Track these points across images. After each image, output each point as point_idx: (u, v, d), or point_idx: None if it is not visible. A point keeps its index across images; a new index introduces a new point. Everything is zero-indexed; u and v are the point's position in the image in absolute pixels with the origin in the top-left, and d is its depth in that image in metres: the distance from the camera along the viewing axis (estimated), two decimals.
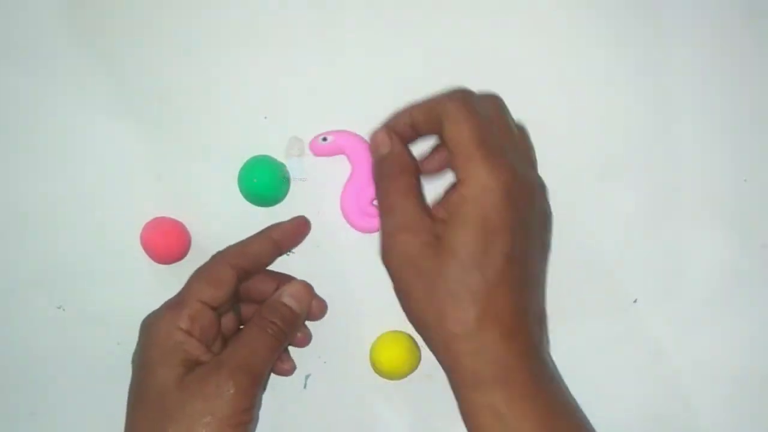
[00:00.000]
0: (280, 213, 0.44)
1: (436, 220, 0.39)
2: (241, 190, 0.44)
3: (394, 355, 0.43)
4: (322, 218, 0.45)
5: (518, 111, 0.44)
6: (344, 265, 0.45)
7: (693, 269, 0.45)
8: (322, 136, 0.43)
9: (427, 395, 0.44)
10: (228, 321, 0.43)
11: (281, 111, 0.45)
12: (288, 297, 0.42)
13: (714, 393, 0.44)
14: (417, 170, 0.41)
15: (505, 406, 0.37)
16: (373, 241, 0.43)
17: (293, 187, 0.44)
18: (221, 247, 0.42)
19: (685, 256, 0.45)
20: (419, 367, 0.44)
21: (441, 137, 0.39)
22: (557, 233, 0.44)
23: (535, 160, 0.43)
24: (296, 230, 0.44)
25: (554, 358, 0.43)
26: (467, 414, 0.38)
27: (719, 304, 0.45)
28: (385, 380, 0.44)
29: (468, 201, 0.37)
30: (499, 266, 0.37)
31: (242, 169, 0.44)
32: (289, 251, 0.44)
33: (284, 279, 0.44)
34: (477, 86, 0.44)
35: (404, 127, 0.41)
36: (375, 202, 0.43)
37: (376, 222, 0.42)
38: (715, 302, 0.45)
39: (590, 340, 0.43)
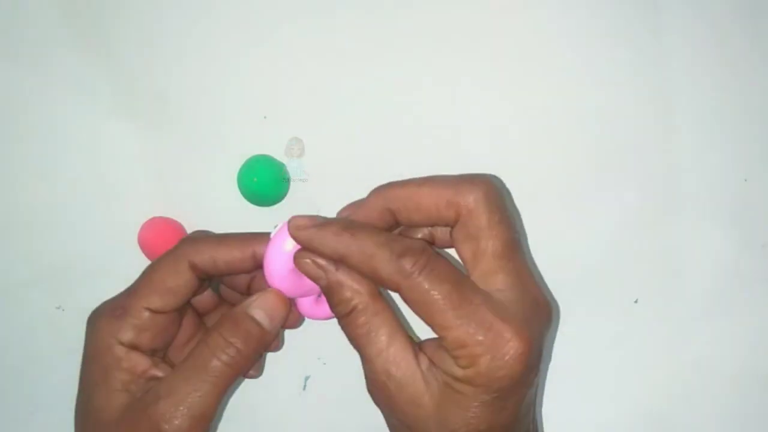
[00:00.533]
0: (280, 213, 0.44)
1: (427, 367, 0.33)
2: (240, 190, 0.44)
3: None
4: (322, 217, 0.44)
5: (518, 110, 0.44)
6: None
7: (694, 269, 0.45)
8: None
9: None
10: (206, 298, 0.39)
11: (281, 110, 0.45)
12: (259, 310, 0.35)
13: (715, 393, 0.44)
14: (375, 291, 0.34)
15: None
16: None
17: (293, 187, 0.44)
18: None
19: (685, 256, 0.45)
20: None
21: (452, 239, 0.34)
22: (558, 234, 0.44)
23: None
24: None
25: (555, 358, 0.43)
26: None
27: (720, 303, 0.44)
28: None
29: (473, 386, 0.32)
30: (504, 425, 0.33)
31: (242, 168, 0.43)
32: None
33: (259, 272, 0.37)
34: (477, 84, 0.44)
35: (330, 257, 0.34)
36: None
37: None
38: (715, 302, 0.44)
39: (591, 340, 0.43)
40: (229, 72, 0.45)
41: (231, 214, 0.44)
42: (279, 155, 0.44)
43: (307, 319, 0.44)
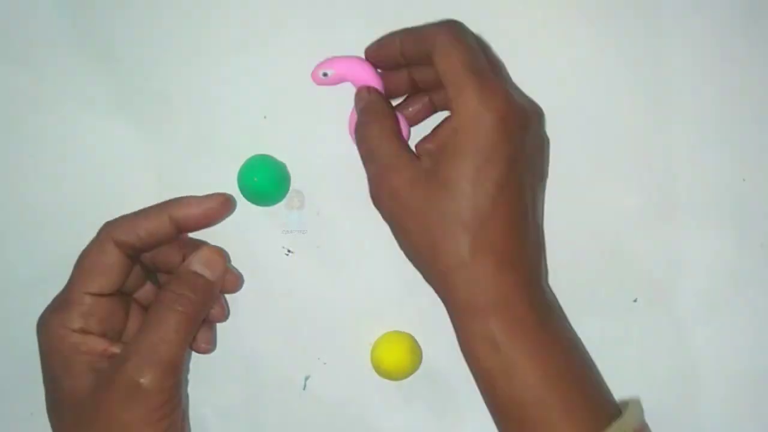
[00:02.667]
0: (280, 212, 0.44)
1: (424, 155, 0.39)
2: (240, 190, 0.44)
3: (396, 356, 0.42)
4: (322, 218, 0.45)
5: None
6: (344, 266, 0.45)
7: (692, 269, 0.45)
8: (322, 72, 0.43)
9: (428, 395, 0.44)
10: (147, 292, 0.42)
11: (281, 110, 0.45)
12: (199, 264, 0.39)
13: (714, 392, 0.44)
14: (393, 115, 0.41)
15: (501, 335, 0.36)
16: (375, 237, 0.43)
17: (293, 183, 0.44)
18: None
19: (684, 256, 0.45)
20: (420, 367, 0.44)
21: (432, 67, 0.39)
22: (556, 233, 0.44)
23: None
24: (205, 213, 0.41)
25: None
26: (464, 343, 0.37)
27: (719, 303, 0.45)
28: (385, 380, 0.44)
29: (459, 131, 0.37)
30: (491, 196, 0.36)
31: (242, 168, 0.43)
32: (289, 251, 0.44)
33: (192, 246, 0.41)
34: None
35: (392, 52, 0.41)
36: None
37: None
38: (714, 301, 0.45)
39: (590, 340, 0.43)
40: (229, 72, 0.45)
41: (231, 213, 0.44)
42: (279, 155, 0.44)
43: (307, 319, 0.44)
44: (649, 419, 0.44)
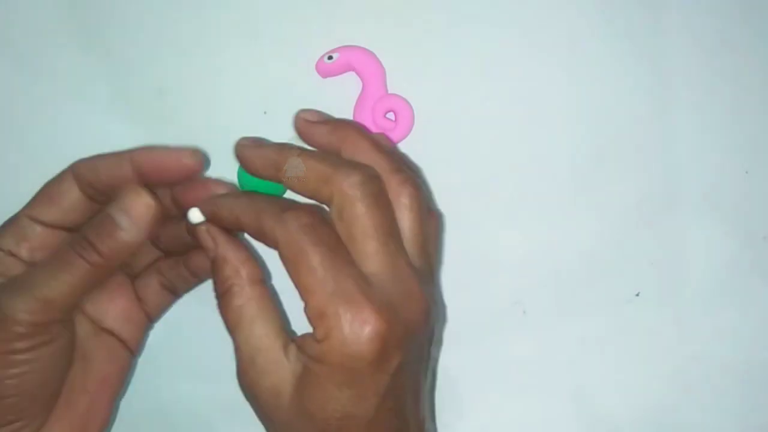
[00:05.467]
0: None
1: (294, 354, 0.32)
2: (241, 186, 0.43)
3: None
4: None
5: (516, 104, 0.44)
6: None
7: (694, 262, 0.45)
8: (327, 55, 0.42)
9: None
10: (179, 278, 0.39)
11: (281, 106, 0.44)
12: (114, 208, 0.34)
13: (716, 385, 0.45)
14: (257, 276, 0.34)
15: None
16: None
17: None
18: None
19: (686, 249, 0.45)
20: None
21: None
22: (558, 227, 0.44)
23: (436, 249, 0.38)
24: (169, 162, 0.36)
25: (557, 351, 0.43)
26: None
27: (721, 296, 0.45)
28: None
29: (326, 360, 0.31)
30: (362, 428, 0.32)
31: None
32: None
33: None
34: (476, 80, 0.44)
35: (226, 219, 0.35)
36: (389, 115, 0.43)
37: (391, 136, 0.42)
38: (717, 295, 0.45)
39: (592, 334, 0.43)
40: (228, 68, 0.44)
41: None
42: None
43: (306, 320, 0.44)
44: (651, 413, 0.44)
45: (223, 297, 0.34)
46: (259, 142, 0.36)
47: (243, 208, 0.34)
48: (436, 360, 0.42)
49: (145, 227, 0.34)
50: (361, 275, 0.32)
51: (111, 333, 0.38)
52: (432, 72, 0.44)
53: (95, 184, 0.35)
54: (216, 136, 0.44)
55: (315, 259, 0.31)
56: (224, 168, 0.44)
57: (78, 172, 0.36)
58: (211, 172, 0.44)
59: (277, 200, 0.34)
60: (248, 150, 0.36)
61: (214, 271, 0.34)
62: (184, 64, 0.44)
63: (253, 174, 0.36)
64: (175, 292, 0.40)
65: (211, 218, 0.35)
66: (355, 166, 0.33)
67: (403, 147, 0.44)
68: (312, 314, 0.32)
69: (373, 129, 0.43)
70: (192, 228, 0.35)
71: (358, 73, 0.43)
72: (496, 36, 0.44)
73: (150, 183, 0.36)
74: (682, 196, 0.45)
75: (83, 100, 0.44)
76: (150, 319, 0.40)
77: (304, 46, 0.44)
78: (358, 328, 0.31)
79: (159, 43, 0.44)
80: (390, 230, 0.33)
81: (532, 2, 0.44)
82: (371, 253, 0.32)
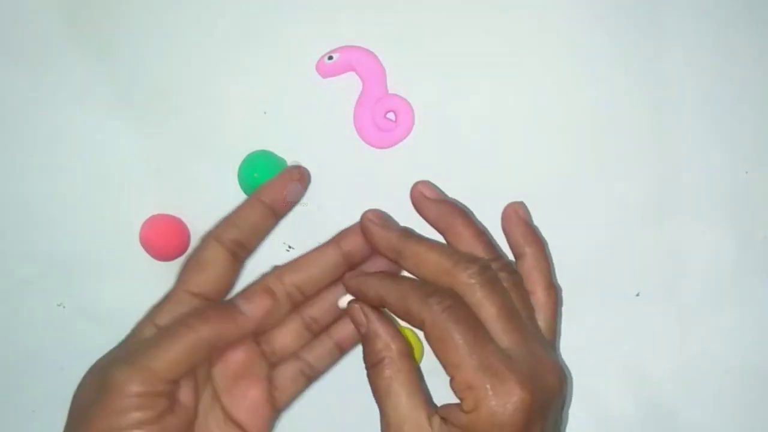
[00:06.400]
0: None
1: (438, 425, 0.35)
2: (241, 186, 0.44)
3: None
4: (322, 213, 0.44)
5: (516, 104, 0.44)
6: None
7: (695, 262, 0.45)
8: (327, 55, 0.43)
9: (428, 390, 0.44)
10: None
11: (281, 106, 0.44)
12: (243, 300, 0.39)
13: (716, 385, 0.45)
14: (405, 351, 0.37)
15: None
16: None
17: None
18: None
19: (686, 249, 0.45)
20: (421, 362, 0.44)
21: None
22: (559, 227, 0.44)
23: (555, 320, 0.40)
24: (287, 185, 0.41)
25: (557, 351, 0.43)
26: None
27: (721, 296, 0.45)
28: None
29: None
30: None
31: (242, 164, 0.43)
32: (290, 247, 0.44)
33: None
34: (476, 80, 0.44)
35: (372, 299, 0.38)
36: (389, 115, 0.43)
37: (391, 136, 0.43)
38: (717, 295, 0.45)
39: (593, 334, 0.43)
40: (228, 67, 0.44)
41: (232, 209, 0.44)
42: (280, 151, 0.44)
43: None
44: (651, 413, 0.44)
45: (374, 368, 0.37)
46: (384, 222, 0.39)
47: (388, 290, 0.37)
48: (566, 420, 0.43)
49: (265, 317, 0.39)
50: (501, 350, 0.35)
51: (239, 425, 0.39)
52: (432, 72, 0.44)
53: (243, 243, 0.39)
54: (216, 136, 0.44)
55: (460, 337, 0.34)
56: (225, 166, 0.44)
57: (229, 247, 0.39)
58: (211, 172, 0.44)
59: (420, 284, 0.37)
60: (374, 228, 0.39)
61: (366, 344, 0.37)
62: (184, 64, 0.44)
63: (376, 251, 0.39)
64: (310, 378, 0.41)
65: (357, 296, 0.38)
66: (469, 258, 0.37)
67: (403, 147, 0.44)
68: (459, 388, 0.34)
69: (373, 129, 0.43)
70: (348, 306, 0.39)
71: (358, 73, 0.43)
72: (497, 36, 0.44)
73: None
74: (683, 196, 0.45)
75: (84, 100, 0.44)
76: (278, 409, 0.41)
77: (304, 46, 0.44)
78: (505, 400, 0.33)
79: (159, 43, 0.45)
80: (510, 309, 0.36)
81: (532, 2, 0.44)
82: (502, 332, 0.35)
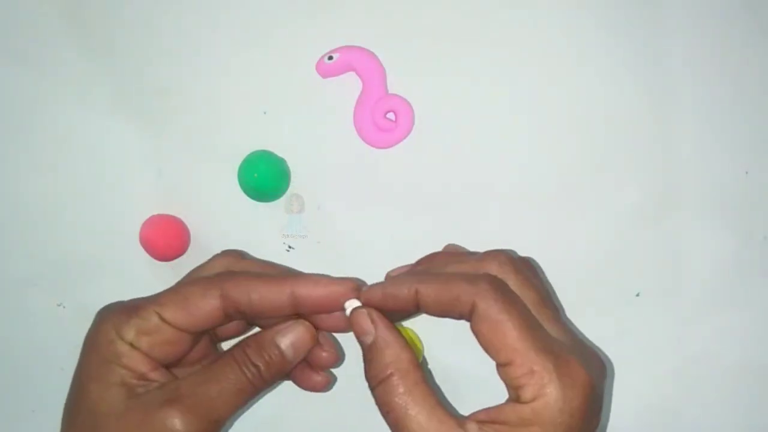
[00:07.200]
0: (281, 209, 0.44)
1: (475, 430, 0.32)
2: (241, 186, 0.44)
3: None
4: (322, 214, 0.44)
5: (516, 104, 0.44)
6: (344, 261, 0.44)
7: (695, 262, 0.45)
8: (327, 56, 0.43)
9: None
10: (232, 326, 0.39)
11: (281, 106, 0.44)
12: (286, 342, 0.35)
13: (717, 386, 0.45)
14: (416, 361, 0.33)
15: None
16: (375, 233, 0.43)
17: (293, 182, 0.44)
18: (221, 243, 0.41)
19: (687, 249, 0.45)
20: (421, 361, 0.44)
21: (473, 331, 0.33)
22: (560, 228, 0.44)
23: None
24: (332, 301, 0.35)
25: None
26: None
27: (722, 296, 0.44)
28: None
29: (533, 424, 0.31)
30: None
31: (242, 164, 0.43)
32: (290, 248, 0.44)
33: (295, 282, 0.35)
34: (476, 80, 0.44)
35: (403, 304, 0.34)
36: (389, 115, 0.43)
37: (391, 136, 0.43)
38: (717, 295, 0.44)
39: (593, 334, 0.43)
40: (228, 67, 0.44)
41: (232, 210, 0.44)
42: (279, 151, 0.44)
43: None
44: (651, 413, 0.44)
45: (383, 384, 0.33)
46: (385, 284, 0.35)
47: (427, 282, 0.33)
48: None
49: (302, 356, 0.36)
50: (552, 336, 0.33)
51: None
52: (432, 72, 0.44)
53: (244, 309, 0.35)
54: (216, 136, 0.44)
55: (517, 320, 0.32)
56: (225, 166, 0.44)
57: (228, 294, 0.34)
58: (211, 172, 0.44)
59: (460, 271, 0.34)
60: (387, 286, 0.35)
61: (373, 357, 0.33)
62: (184, 64, 0.44)
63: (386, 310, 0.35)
64: None
65: (383, 303, 0.34)
66: (493, 252, 0.35)
67: (403, 147, 0.44)
68: (518, 373, 0.31)
69: (373, 129, 0.43)
70: (351, 313, 0.35)
71: (358, 73, 0.43)
72: (497, 36, 0.44)
73: (301, 312, 0.35)
74: (682, 196, 0.45)
75: (84, 100, 0.44)
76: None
77: (304, 46, 0.44)
78: (572, 382, 0.31)
79: (159, 43, 0.44)
80: (547, 295, 0.35)
81: (532, 3, 0.44)
82: (545, 318, 0.33)
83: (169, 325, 0.35)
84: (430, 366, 0.44)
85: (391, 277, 0.35)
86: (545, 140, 0.44)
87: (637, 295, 0.45)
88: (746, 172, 0.45)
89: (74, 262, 0.44)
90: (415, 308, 0.34)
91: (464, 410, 0.43)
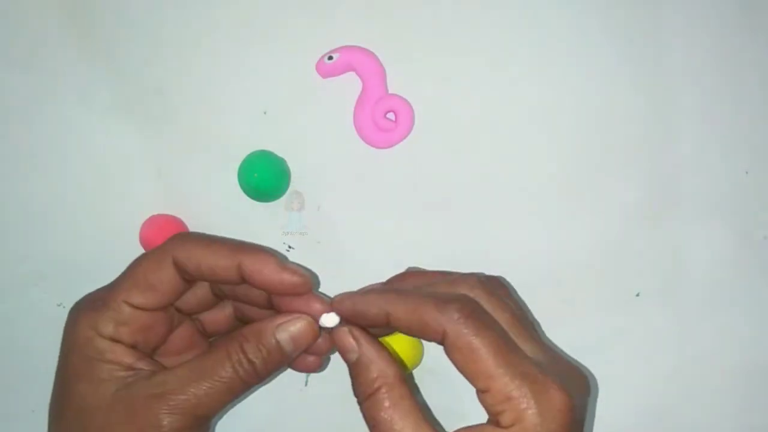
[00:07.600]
0: (281, 209, 0.44)
1: None
2: (241, 186, 0.44)
3: (396, 351, 0.42)
4: (322, 214, 0.44)
5: (516, 104, 0.44)
6: (345, 261, 0.44)
7: (695, 262, 0.45)
8: (327, 56, 0.43)
9: (430, 391, 0.44)
10: (220, 318, 0.39)
11: (281, 106, 0.44)
12: (285, 335, 0.34)
13: (716, 385, 0.44)
14: (402, 375, 0.33)
15: None
16: (375, 233, 0.43)
17: (293, 182, 0.44)
18: None
19: (686, 249, 0.45)
20: (421, 361, 0.44)
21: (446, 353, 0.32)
22: (559, 227, 0.44)
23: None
24: (278, 285, 0.34)
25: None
26: None
27: (721, 296, 0.44)
28: None
29: None
30: None
31: (242, 164, 0.43)
32: (290, 247, 0.44)
33: (286, 273, 0.35)
34: (476, 80, 0.44)
35: (373, 319, 0.33)
36: (389, 115, 0.43)
37: (391, 136, 0.43)
38: (717, 295, 0.44)
39: (593, 334, 0.43)
40: (228, 67, 0.44)
41: (232, 209, 0.44)
42: (279, 150, 0.44)
43: None
44: (651, 413, 0.44)
45: (370, 399, 0.33)
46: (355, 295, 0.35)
47: (395, 304, 0.33)
48: None
49: (301, 351, 0.35)
50: (529, 357, 0.32)
51: None
52: (432, 72, 0.44)
53: (194, 274, 0.35)
54: (216, 136, 0.44)
55: (490, 345, 0.31)
56: (225, 166, 0.44)
57: (179, 259, 0.34)
58: (212, 171, 0.44)
59: (431, 293, 0.33)
60: (355, 299, 0.34)
61: (359, 373, 0.33)
62: (184, 64, 0.44)
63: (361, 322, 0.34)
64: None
65: (350, 318, 0.34)
66: (462, 275, 0.35)
67: (403, 147, 0.44)
68: (496, 400, 0.31)
69: (373, 129, 0.43)
70: (335, 331, 0.34)
71: (358, 73, 0.43)
72: (497, 36, 0.44)
73: (249, 284, 0.35)
74: (682, 196, 0.45)
75: (83, 100, 0.44)
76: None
77: (304, 46, 0.44)
78: (549, 406, 0.30)
79: (159, 43, 0.45)
80: (522, 315, 0.34)
81: (532, 3, 0.44)
82: (521, 339, 0.33)
83: (141, 310, 0.35)
84: (431, 363, 0.44)
85: (362, 294, 0.34)
86: (545, 140, 0.44)
87: (637, 295, 0.45)
88: (746, 172, 0.45)
89: (74, 262, 0.44)
90: (388, 328, 0.34)
91: (465, 412, 0.44)
